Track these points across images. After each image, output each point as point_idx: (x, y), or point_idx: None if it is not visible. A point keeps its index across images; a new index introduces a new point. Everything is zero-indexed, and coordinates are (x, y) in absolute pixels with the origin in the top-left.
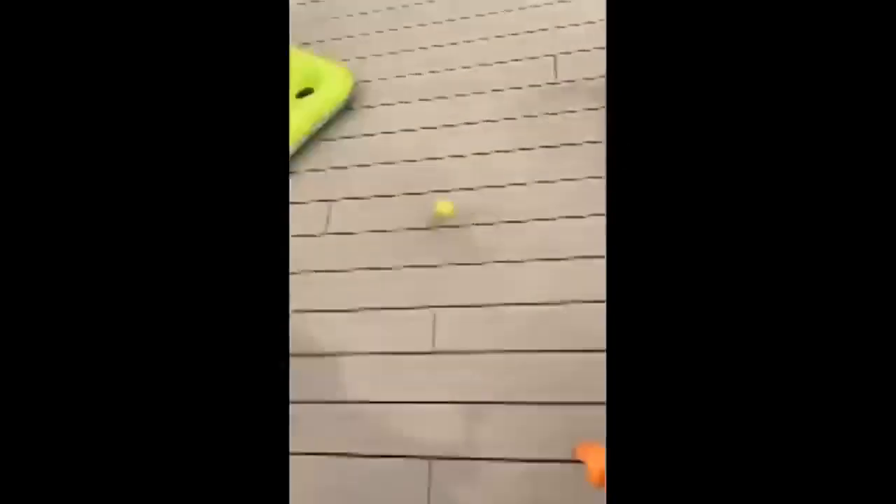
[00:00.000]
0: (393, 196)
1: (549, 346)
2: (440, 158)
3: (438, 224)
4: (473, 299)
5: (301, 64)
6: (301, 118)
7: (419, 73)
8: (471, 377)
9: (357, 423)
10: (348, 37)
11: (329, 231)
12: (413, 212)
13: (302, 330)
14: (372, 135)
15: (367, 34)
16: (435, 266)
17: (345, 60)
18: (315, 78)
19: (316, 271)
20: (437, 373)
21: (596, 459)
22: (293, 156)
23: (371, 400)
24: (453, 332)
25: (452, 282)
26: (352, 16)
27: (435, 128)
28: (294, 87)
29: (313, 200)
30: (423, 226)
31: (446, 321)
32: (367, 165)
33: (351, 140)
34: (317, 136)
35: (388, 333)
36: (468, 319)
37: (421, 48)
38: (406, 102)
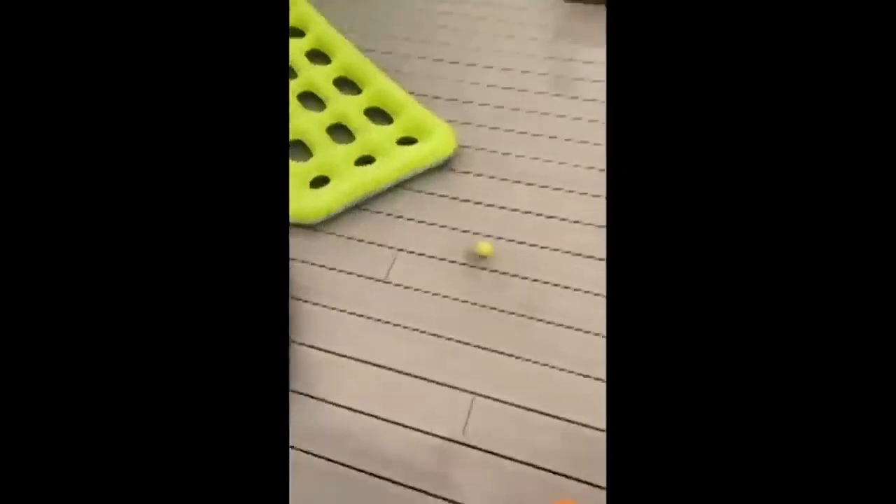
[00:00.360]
0: (463, 265)
1: (586, 476)
2: (517, 242)
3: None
4: (518, 398)
5: (413, 113)
6: (397, 164)
7: (521, 156)
8: (497, 486)
9: (366, 496)
10: (482, 104)
11: (389, 279)
12: (476, 285)
13: (337, 373)
14: (457, 199)
15: (486, 105)
16: (488, 350)
17: (464, 124)
18: (423, 130)
19: (362, 315)
20: (465, 470)
21: None
22: (377, 195)
23: (385, 476)
24: (488, 426)
25: (501, 371)
26: (476, 83)
27: (520, 212)
28: (399, 133)
29: (383, 245)
30: (488, 304)
31: (483, 411)
32: (444, 227)
33: (436, 198)
34: (405, 185)
35: (419, 407)
36: (506, 418)
37: (530, 134)
38: (499, 179)
